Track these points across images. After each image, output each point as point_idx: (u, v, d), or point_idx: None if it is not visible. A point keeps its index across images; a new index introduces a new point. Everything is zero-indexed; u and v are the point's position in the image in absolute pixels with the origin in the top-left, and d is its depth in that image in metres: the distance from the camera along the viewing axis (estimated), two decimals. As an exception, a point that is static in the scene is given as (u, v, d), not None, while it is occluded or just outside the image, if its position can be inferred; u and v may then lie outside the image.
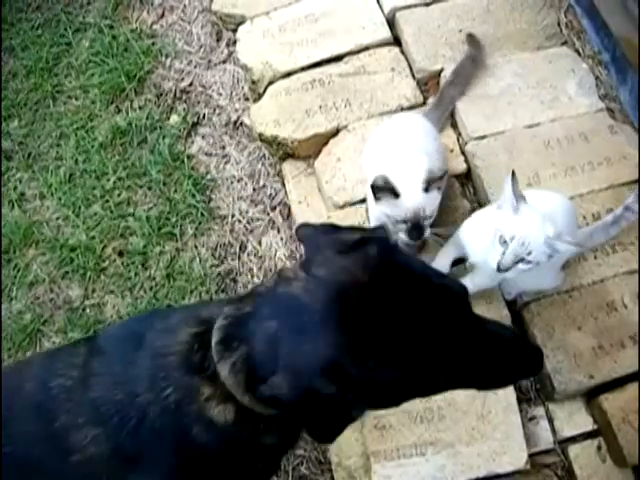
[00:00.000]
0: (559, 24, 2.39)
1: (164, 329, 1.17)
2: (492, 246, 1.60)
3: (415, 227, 1.72)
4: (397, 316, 1.01)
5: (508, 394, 1.85)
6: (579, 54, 2.32)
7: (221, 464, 1.18)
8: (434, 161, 1.80)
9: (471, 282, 1.78)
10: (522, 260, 1.57)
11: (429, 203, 1.71)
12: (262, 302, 1.08)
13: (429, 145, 1.88)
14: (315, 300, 1.02)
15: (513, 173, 1.58)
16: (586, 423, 1.87)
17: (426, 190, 1.69)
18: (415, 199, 1.69)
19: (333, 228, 1.19)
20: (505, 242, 1.57)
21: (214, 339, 1.09)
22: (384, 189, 1.68)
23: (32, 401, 1.22)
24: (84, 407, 1.16)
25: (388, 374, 1.01)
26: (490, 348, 1.08)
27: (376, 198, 1.72)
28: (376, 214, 1.88)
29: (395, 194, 1.68)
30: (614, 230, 1.94)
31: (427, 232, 1.75)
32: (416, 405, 1.85)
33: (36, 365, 1.33)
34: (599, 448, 1.84)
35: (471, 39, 2.30)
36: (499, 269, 1.59)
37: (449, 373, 1.05)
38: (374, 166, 1.85)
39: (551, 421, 1.89)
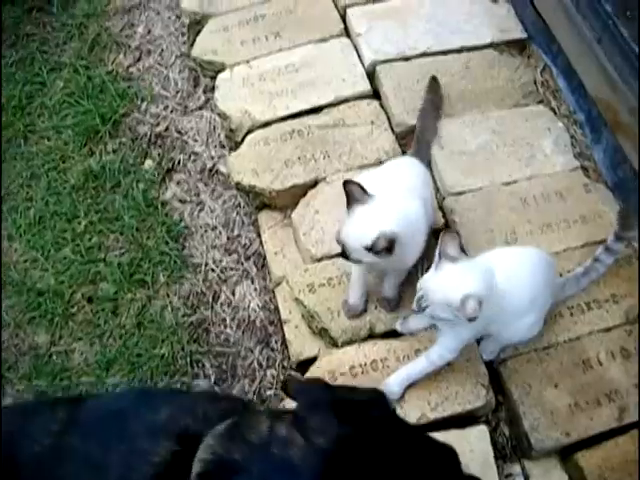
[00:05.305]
0: (535, 83, 2.45)
1: (148, 426, 1.13)
2: None
3: None
4: None
5: (485, 451, 1.84)
6: (555, 113, 2.38)
7: None
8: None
9: (437, 353, 1.81)
10: (424, 310, 1.61)
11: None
12: (253, 456, 1.03)
13: (425, 191, 1.91)
14: (315, 473, 0.99)
15: (444, 232, 1.64)
16: (562, 480, 1.87)
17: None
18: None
19: (326, 386, 1.19)
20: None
21: (195, 469, 1.05)
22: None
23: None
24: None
25: None
26: None
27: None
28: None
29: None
30: (585, 281, 1.99)
31: None
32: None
33: (8, 422, 1.26)
34: (575, 506, 1.84)
35: (432, 83, 2.34)
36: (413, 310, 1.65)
37: None
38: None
39: (527, 478, 1.87)
